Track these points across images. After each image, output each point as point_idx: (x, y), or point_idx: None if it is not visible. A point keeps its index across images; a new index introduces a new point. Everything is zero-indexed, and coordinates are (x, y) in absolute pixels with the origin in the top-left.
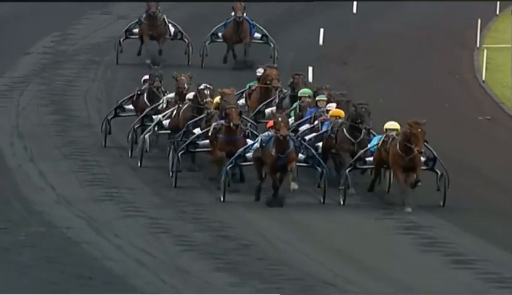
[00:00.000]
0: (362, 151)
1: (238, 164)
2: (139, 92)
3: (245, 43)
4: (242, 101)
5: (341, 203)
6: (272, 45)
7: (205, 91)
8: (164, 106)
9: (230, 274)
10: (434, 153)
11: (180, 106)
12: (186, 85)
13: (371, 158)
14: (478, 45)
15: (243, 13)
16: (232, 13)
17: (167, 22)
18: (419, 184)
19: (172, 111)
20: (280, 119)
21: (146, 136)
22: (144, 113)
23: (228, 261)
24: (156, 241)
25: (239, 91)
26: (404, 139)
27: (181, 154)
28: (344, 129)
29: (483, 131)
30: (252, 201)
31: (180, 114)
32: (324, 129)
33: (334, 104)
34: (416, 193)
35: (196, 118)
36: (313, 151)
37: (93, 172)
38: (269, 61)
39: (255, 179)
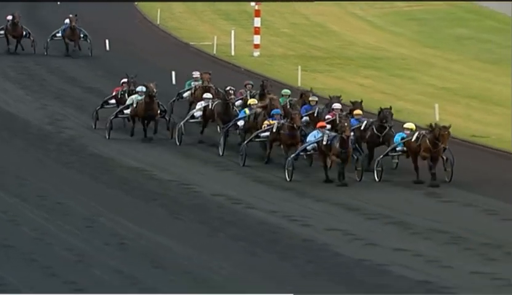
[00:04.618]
0: (392, 147)
1: (299, 154)
2: (122, 92)
3: (76, 41)
4: (187, 94)
5: (377, 180)
6: (89, 41)
7: (230, 91)
8: (134, 105)
9: None
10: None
11: (212, 102)
12: (154, 89)
13: (398, 148)
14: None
15: (76, 22)
16: (67, 20)
17: (23, 27)
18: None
19: (204, 106)
20: (346, 124)
21: (181, 124)
22: (105, 99)
23: None
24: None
25: (184, 90)
26: (434, 137)
27: (246, 143)
28: (374, 127)
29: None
30: None
31: (213, 108)
32: (355, 124)
33: (339, 105)
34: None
35: (240, 117)
36: (355, 143)
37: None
38: (88, 50)
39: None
